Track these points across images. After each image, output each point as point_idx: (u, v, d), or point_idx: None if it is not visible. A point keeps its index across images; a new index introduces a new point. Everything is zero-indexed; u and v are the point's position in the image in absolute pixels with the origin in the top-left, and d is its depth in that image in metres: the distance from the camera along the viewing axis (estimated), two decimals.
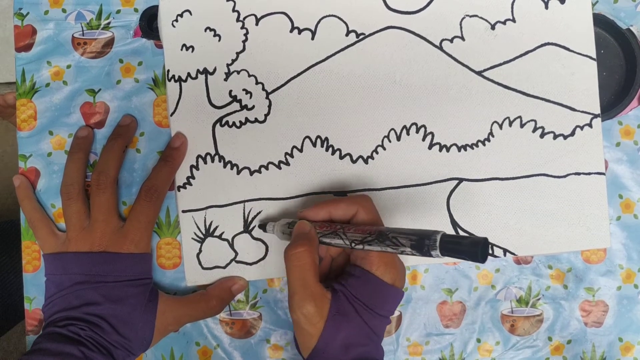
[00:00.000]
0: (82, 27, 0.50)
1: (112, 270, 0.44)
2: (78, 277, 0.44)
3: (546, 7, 0.48)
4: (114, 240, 0.45)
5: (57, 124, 0.50)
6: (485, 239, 0.33)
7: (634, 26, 0.50)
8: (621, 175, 0.50)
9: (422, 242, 0.34)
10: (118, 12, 0.50)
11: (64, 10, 0.50)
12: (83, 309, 0.43)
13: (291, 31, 0.49)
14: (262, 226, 0.47)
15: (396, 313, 0.50)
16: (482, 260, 0.32)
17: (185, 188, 0.49)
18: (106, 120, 0.50)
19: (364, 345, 0.40)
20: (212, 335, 0.50)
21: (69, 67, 0.50)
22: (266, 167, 0.49)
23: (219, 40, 0.49)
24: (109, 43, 0.50)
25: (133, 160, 0.50)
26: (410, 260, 0.49)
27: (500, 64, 0.48)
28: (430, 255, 0.34)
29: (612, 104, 0.50)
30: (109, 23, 0.50)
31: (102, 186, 0.45)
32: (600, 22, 0.50)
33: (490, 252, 0.48)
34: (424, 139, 0.49)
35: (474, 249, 0.32)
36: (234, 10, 0.49)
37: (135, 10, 0.50)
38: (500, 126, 0.48)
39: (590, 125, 0.48)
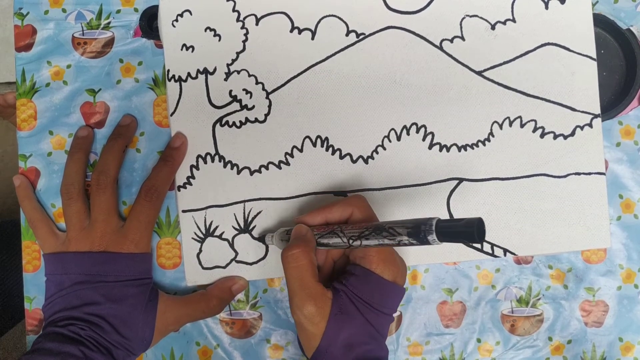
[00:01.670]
0: (82, 27, 0.50)
1: (112, 270, 0.44)
2: (78, 277, 0.44)
3: (546, 7, 0.48)
4: (114, 240, 0.45)
5: (57, 123, 0.50)
6: (480, 219, 0.32)
7: (634, 26, 0.50)
8: (621, 175, 0.50)
9: (418, 229, 0.34)
10: (118, 12, 0.50)
11: (64, 10, 0.50)
12: (83, 308, 0.43)
13: (291, 31, 0.49)
14: (261, 239, 0.48)
15: (396, 313, 0.50)
16: (480, 240, 0.32)
17: (185, 188, 0.49)
18: (106, 120, 0.50)
19: (367, 344, 0.40)
20: (212, 335, 0.50)
21: (69, 67, 0.50)
22: (266, 167, 0.49)
23: (219, 40, 0.49)
24: (109, 43, 0.50)
25: (133, 160, 0.50)
26: (411, 260, 0.49)
27: (500, 64, 0.48)
28: (428, 242, 0.34)
29: (612, 104, 0.50)
30: (109, 23, 0.50)
31: (102, 186, 0.45)
32: (600, 22, 0.50)
33: (490, 251, 0.48)
34: (424, 139, 0.49)
35: (469, 229, 0.32)
36: (234, 10, 0.49)
37: (135, 10, 0.50)
38: (501, 126, 0.48)
39: (590, 125, 0.48)
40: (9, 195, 1.15)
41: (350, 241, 0.39)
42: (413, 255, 0.49)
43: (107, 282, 0.44)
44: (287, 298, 0.49)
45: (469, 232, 0.32)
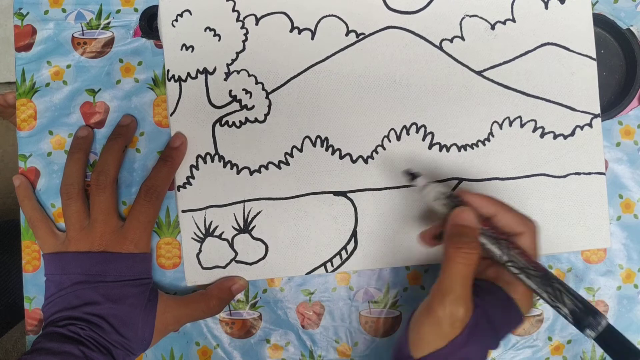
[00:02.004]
0: (82, 26, 0.50)
1: (112, 270, 0.44)
2: (78, 277, 0.44)
3: (546, 7, 0.48)
4: (114, 240, 0.45)
5: (57, 123, 0.50)
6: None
7: (634, 26, 0.50)
8: (621, 175, 0.50)
9: (585, 317, 0.35)
10: (118, 11, 0.50)
11: (63, 10, 0.50)
12: (83, 308, 0.43)
13: (291, 31, 0.49)
14: (411, 175, 0.42)
15: (396, 313, 0.50)
16: None
17: (185, 188, 0.49)
18: (106, 120, 0.50)
19: None
20: (212, 335, 0.50)
21: (68, 66, 0.50)
22: (266, 167, 0.49)
23: (219, 40, 0.49)
24: (109, 43, 0.50)
25: (133, 160, 0.50)
26: (411, 261, 0.49)
27: (500, 64, 0.48)
28: (582, 331, 0.34)
29: (612, 104, 0.50)
30: (108, 23, 0.50)
31: (102, 186, 0.45)
32: (600, 22, 0.50)
33: None
34: (424, 139, 0.49)
35: (628, 357, 0.33)
36: (233, 10, 0.49)
37: (135, 10, 0.50)
38: (501, 126, 0.48)
39: (590, 125, 0.48)
40: (9, 195, 1.15)
41: (508, 264, 0.38)
42: (411, 255, 0.49)
43: (106, 282, 0.44)
44: (286, 298, 0.50)
45: (624, 357, 0.33)
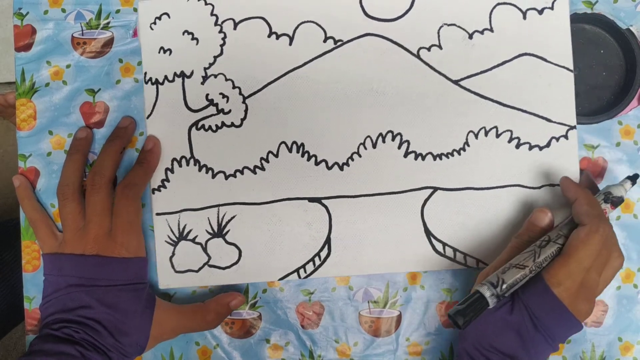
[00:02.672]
0: (81, 26, 0.50)
1: (105, 275, 0.44)
2: (72, 280, 0.44)
3: (524, 18, 0.48)
4: (106, 245, 0.45)
5: (56, 123, 0.50)
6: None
7: (634, 26, 0.49)
8: (621, 175, 0.50)
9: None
10: (117, 11, 0.50)
11: (63, 10, 0.50)
12: (77, 311, 0.43)
13: (269, 36, 0.49)
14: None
15: (396, 313, 0.50)
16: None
17: (159, 191, 0.49)
18: (106, 119, 0.50)
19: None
20: (212, 335, 0.50)
21: (68, 66, 0.50)
22: (241, 172, 0.49)
23: (197, 43, 0.49)
24: (109, 43, 0.50)
25: (132, 160, 0.49)
26: (389, 268, 0.49)
27: (477, 74, 0.48)
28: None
29: (612, 104, 0.50)
30: (108, 23, 0.50)
31: (97, 186, 0.45)
32: (600, 22, 0.49)
33: (463, 261, 0.48)
34: (399, 147, 0.49)
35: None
36: (212, 14, 0.49)
37: (135, 10, 0.50)
38: (476, 136, 0.48)
39: (566, 136, 0.48)
40: (9, 195, 1.14)
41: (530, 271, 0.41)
42: (385, 263, 0.49)
43: (100, 286, 0.44)
44: (286, 298, 0.50)
45: None
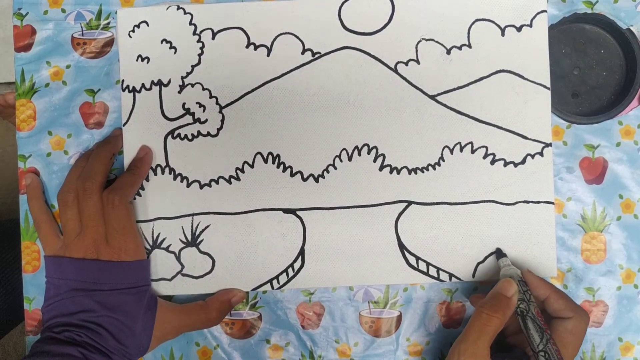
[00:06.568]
0: (81, 27, 0.50)
1: (106, 278, 0.44)
2: (74, 284, 0.44)
3: (502, 34, 0.49)
4: (105, 249, 0.45)
5: (56, 124, 0.50)
6: None
7: (634, 26, 0.49)
8: (621, 175, 0.50)
9: None
10: (117, 12, 0.50)
11: (63, 10, 0.50)
12: (79, 315, 0.43)
13: (247, 47, 0.49)
14: (502, 254, 0.48)
15: (396, 313, 0.50)
16: None
17: (134, 199, 0.49)
18: (105, 120, 0.50)
19: None
20: (212, 335, 0.50)
21: (68, 67, 0.50)
22: (216, 181, 0.49)
23: (175, 52, 0.49)
24: (109, 43, 0.50)
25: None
26: (358, 281, 0.49)
27: (454, 89, 0.48)
28: None
29: (612, 104, 0.50)
30: (108, 23, 0.50)
31: (89, 192, 0.45)
32: (600, 22, 0.49)
33: (436, 275, 0.48)
34: (375, 160, 0.49)
35: None
36: (190, 23, 0.49)
37: None
38: (452, 151, 0.48)
39: (541, 154, 0.48)
40: (9, 195, 1.14)
41: (541, 353, 0.40)
42: (358, 275, 0.49)
43: (102, 290, 0.44)
44: (286, 298, 0.50)
45: None
